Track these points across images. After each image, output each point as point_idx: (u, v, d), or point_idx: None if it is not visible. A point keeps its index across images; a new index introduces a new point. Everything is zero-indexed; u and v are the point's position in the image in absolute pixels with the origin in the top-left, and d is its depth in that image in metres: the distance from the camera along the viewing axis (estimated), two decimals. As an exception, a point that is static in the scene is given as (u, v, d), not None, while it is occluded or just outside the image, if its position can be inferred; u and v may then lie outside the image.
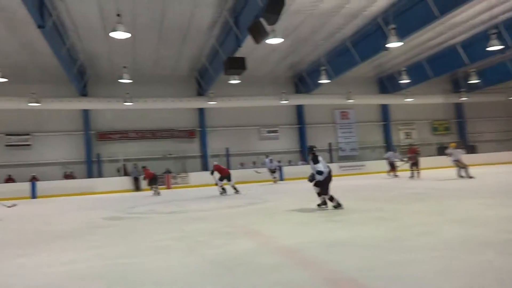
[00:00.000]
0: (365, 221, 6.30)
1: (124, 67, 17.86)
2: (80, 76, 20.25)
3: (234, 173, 21.63)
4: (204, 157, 23.83)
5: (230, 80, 19.01)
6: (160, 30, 16.01)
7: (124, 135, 22.92)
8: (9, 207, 10.50)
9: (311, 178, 7.77)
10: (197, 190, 16.71)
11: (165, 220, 8.12)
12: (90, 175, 21.80)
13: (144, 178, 16.52)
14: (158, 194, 16.07)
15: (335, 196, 7.71)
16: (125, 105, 19.97)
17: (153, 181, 16.53)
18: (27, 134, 21.44)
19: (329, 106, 25.93)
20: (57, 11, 13.32)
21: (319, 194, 7.82)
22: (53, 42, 13.90)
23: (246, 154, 24.51)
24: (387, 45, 14.95)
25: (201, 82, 22.64)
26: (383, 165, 19.00)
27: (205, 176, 19.61)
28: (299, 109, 25.94)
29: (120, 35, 11.36)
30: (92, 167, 22.14)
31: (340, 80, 22.08)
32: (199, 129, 24.14)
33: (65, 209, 12.19)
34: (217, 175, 14.17)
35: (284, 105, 23.90)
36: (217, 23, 15.68)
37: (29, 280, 3.87)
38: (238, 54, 14.76)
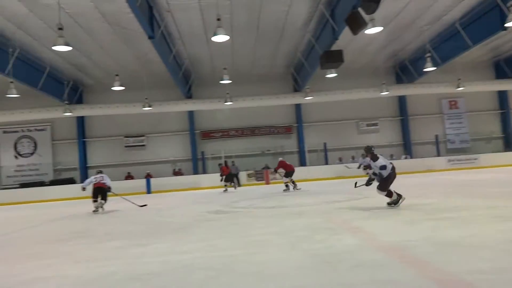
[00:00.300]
0: (479, 219, 5.73)
1: (224, 68, 18.75)
2: (185, 80, 21.82)
3: (331, 168, 21.60)
4: (301, 152, 23.91)
5: (326, 74, 18.71)
6: (257, 31, 16.45)
7: (225, 133, 24.12)
8: (140, 206, 11.66)
9: (369, 182, 7.93)
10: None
11: (265, 214, 8.35)
12: (195, 171, 23.39)
13: (221, 175, 17.32)
14: (235, 188, 17.70)
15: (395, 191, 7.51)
16: (225, 104, 20.96)
17: (229, 177, 17.47)
18: (142, 136, 23.86)
19: (435, 95, 24.02)
20: (164, 22, 14.53)
21: (388, 195, 7.61)
22: (161, 50, 15.21)
23: (344, 148, 23.98)
24: (505, 25, 13.29)
25: (297, 78, 22.71)
26: (501, 158, 16.99)
27: (302, 171, 19.73)
28: (401, 100, 24.51)
29: (220, 38, 11.93)
30: (197, 164, 23.75)
31: (448, 67, 20.30)
32: (296, 124, 24.28)
33: (175, 203, 13.26)
34: (282, 171, 14.39)
35: (384, 97, 22.74)
36: (312, 17, 15.57)
37: (147, 266, 4.31)
38: (335, 47, 14.48)
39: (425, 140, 24.16)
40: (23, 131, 23.66)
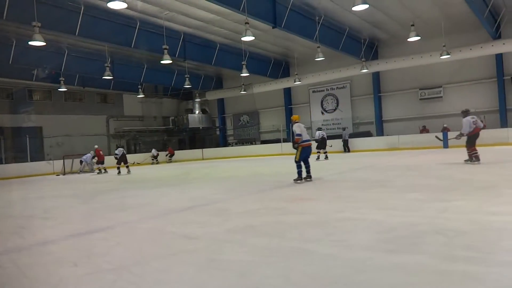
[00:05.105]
0: None
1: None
2: (493, 18, 18.71)
3: None
4: None
5: None
6: None
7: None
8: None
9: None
10: None
11: None
12: (503, 124, 20.18)
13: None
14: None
15: None
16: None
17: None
18: (439, 87, 22.47)
19: None
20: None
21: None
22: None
23: None
24: None
25: None
26: None
27: None
28: None
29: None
30: (506, 116, 20.37)
31: None
32: None
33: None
34: None
35: None
36: None
37: (451, 223, 4.19)
38: None
39: None
40: (327, 90, 26.89)
